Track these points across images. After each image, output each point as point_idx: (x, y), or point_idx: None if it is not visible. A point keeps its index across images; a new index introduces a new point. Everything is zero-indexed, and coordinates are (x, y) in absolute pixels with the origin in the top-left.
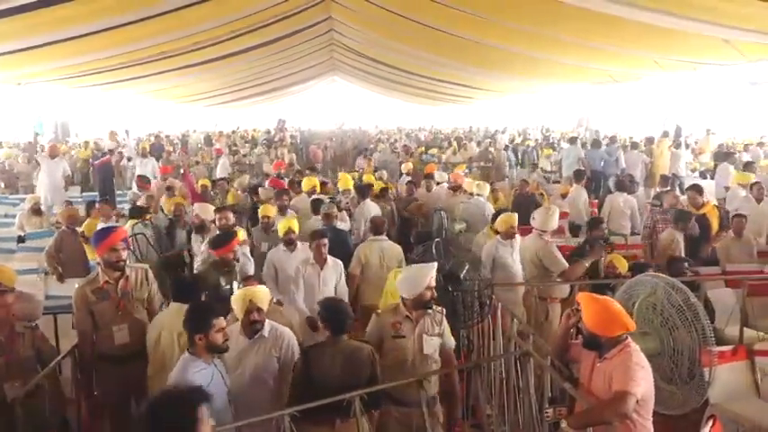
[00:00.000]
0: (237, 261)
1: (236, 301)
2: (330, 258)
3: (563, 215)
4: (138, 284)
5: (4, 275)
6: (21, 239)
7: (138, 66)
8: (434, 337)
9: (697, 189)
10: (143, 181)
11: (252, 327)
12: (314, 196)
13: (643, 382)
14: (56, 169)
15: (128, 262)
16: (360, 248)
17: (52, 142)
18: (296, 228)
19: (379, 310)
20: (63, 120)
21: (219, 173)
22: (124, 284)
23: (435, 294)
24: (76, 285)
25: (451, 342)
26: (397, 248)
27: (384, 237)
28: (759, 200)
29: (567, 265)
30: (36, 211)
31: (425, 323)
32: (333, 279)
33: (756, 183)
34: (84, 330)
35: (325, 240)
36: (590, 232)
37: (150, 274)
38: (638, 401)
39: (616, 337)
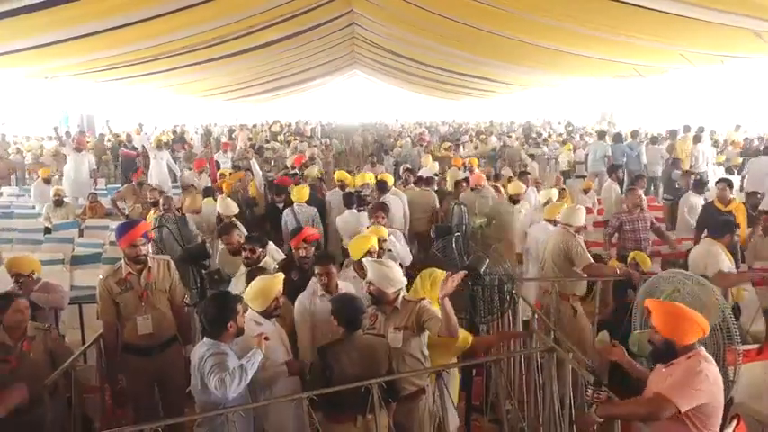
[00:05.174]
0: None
1: None
2: (342, 282)
3: (588, 212)
4: (160, 275)
5: (23, 264)
6: (47, 231)
7: (160, 60)
8: (401, 332)
9: (727, 182)
10: None
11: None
12: (347, 190)
13: (703, 394)
14: (81, 162)
15: (150, 253)
16: (409, 195)
17: (78, 136)
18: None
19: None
20: (88, 113)
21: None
22: (147, 276)
23: (381, 290)
24: (100, 277)
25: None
26: (433, 195)
27: (426, 187)
28: None
29: (591, 259)
30: (58, 202)
31: (397, 318)
32: None
33: None
34: (109, 320)
35: (331, 267)
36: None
37: (172, 266)
38: (696, 413)
39: (690, 345)
